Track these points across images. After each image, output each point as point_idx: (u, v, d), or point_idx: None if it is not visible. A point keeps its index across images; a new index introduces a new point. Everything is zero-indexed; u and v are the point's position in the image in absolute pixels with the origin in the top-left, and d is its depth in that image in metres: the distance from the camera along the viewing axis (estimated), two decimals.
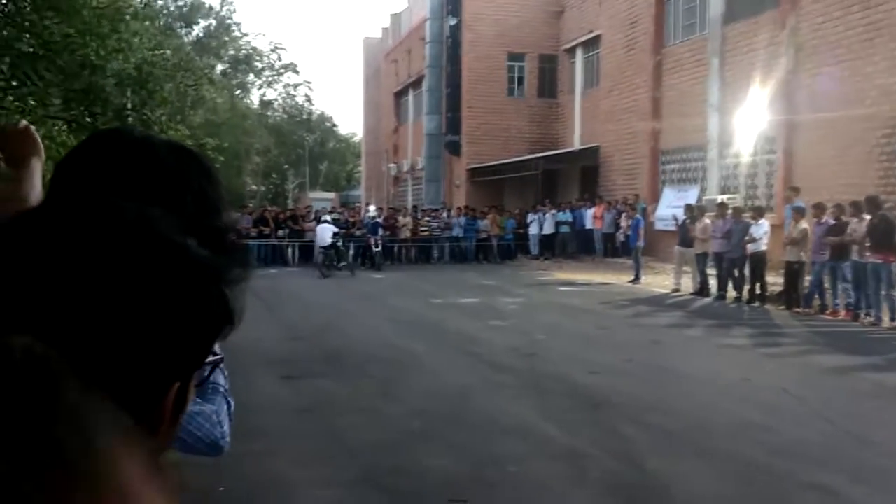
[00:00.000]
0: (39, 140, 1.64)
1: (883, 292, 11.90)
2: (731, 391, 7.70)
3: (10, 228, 0.62)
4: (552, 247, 25.81)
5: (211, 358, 0.69)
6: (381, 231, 23.90)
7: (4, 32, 8.84)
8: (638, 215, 20.29)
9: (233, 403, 1.48)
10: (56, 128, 9.18)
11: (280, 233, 24.44)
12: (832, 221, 12.96)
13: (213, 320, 0.65)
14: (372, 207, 28.25)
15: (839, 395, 7.64)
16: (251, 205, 33.03)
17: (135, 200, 1.04)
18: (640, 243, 18.96)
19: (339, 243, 21.89)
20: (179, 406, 0.66)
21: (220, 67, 43.37)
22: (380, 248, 23.26)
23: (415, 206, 30.45)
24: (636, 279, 18.48)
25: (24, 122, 1.65)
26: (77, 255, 0.58)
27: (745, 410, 6.86)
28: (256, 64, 49.47)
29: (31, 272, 0.57)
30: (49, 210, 0.63)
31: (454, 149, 32.75)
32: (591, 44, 29.01)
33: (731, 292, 15.25)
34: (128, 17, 10.00)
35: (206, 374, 1.26)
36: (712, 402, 7.24)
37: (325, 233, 21.25)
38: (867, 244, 12.04)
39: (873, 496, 4.79)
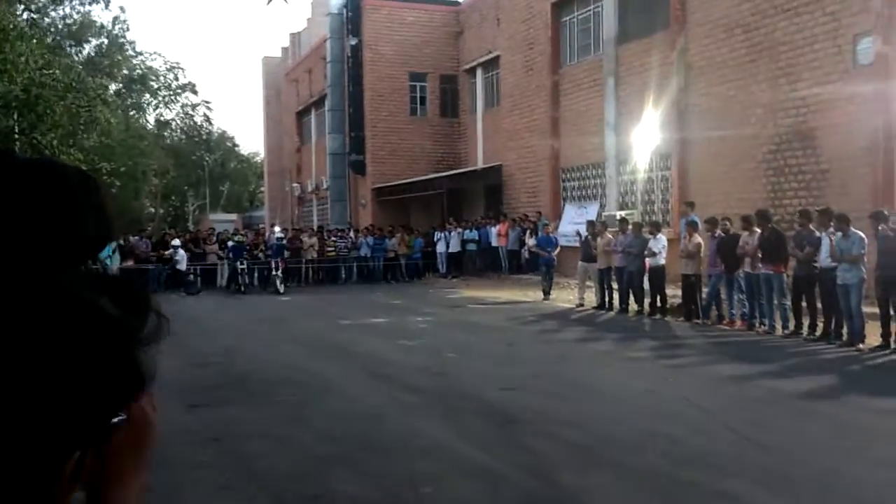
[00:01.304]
0: None
1: (775, 302, 12.45)
2: (637, 403, 7.90)
3: None
4: (460, 265, 25.99)
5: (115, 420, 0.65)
6: (286, 253, 23.67)
7: None
8: (551, 232, 20.54)
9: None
10: None
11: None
12: (723, 235, 13.49)
13: (124, 384, 0.62)
14: (277, 228, 27.85)
15: (739, 403, 7.94)
16: (149, 228, 32.04)
17: (29, 227, 0.98)
18: (554, 260, 19.16)
19: (244, 266, 22.07)
20: (77, 473, 0.62)
21: (113, 87, 41.96)
22: (281, 271, 22.76)
23: (321, 227, 30.17)
24: (548, 295, 18.61)
25: None
26: None
27: (652, 422, 7.04)
28: (152, 84, 48.12)
29: None
30: None
31: (359, 168, 32.67)
32: (491, 64, 29.50)
33: (633, 305, 15.67)
34: (13, 35, 9.59)
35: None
36: (620, 414, 7.41)
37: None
38: (759, 256, 12.57)
39: (776, 500, 4.98)
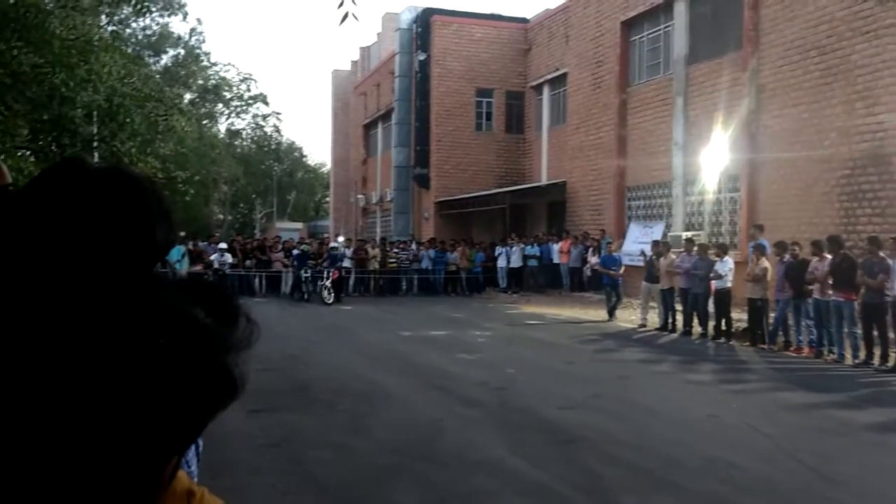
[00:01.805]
0: (6, 170, 1.59)
1: (845, 330, 12.12)
2: (699, 427, 7.78)
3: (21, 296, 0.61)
4: (520, 280, 25.93)
5: None
6: (339, 263, 23.73)
7: None
8: (615, 251, 20.09)
9: (201, 444, 1.44)
10: (23, 158, 9.08)
11: (247, 262, 24.29)
12: (792, 259, 13.20)
13: (220, 394, 0.64)
14: (341, 238, 28.21)
15: (805, 432, 7.74)
16: (218, 234, 32.79)
17: (107, 233, 1.04)
18: (620, 280, 18.69)
19: (308, 274, 22.42)
20: (173, 473, 0.66)
21: (188, 97, 43.20)
22: (330, 281, 22.58)
23: (383, 238, 30.45)
24: (613, 316, 18.27)
25: None
26: (86, 335, 0.57)
27: (713, 447, 6.92)
28: (225, 94, 49.41)
29: (45, 342, 0.56)
30: (61, 280, 0.62)
31: (423, 182, 32.92)
32: (558, 81, 29.46)
33: (697, 328, 15.42)
34: (97, 47, 9.97)
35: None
36: (681, 438, 7.30)
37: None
38: (830, 282, 12.26)
39: None
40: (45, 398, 0.53)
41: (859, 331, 11.95)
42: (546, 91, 30.57)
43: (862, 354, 11.86)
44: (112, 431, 0.54)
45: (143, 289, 0.61)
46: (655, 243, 17.88)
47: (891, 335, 11.51)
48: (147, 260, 1.10)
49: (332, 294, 21.64)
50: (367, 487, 5.67)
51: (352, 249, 25.93)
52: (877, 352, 11.70)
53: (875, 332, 11.77)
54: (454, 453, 6.64)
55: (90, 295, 0.60)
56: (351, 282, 25.52)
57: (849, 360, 12.01)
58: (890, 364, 11.37)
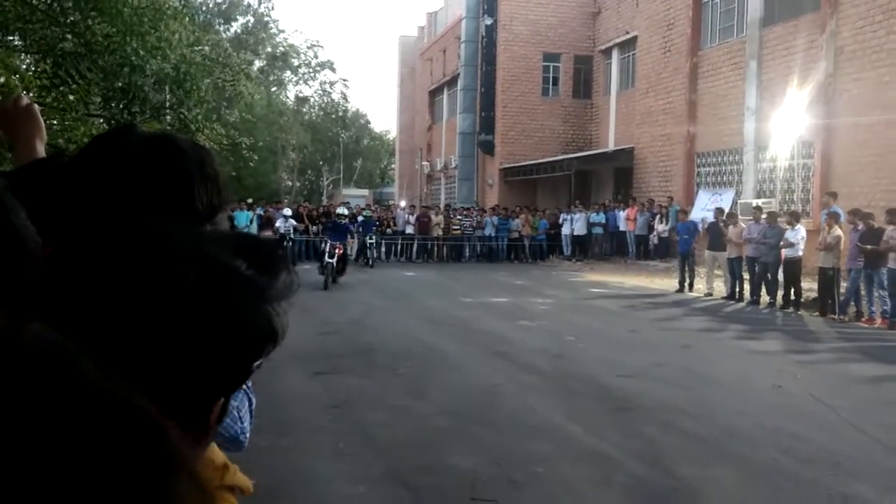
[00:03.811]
0: (41, 120, 1.61)
1: None
2: (762, 398, 7.65)
3: (65, 251, 0.65)
4: (584, 248, 25.74)
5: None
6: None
7: (48, 33, 9.03)
8: (691, 218, 19.32)
9: (255, 400, 1.47)
10: (96, 126, 9.35)
11: (313, 229, 24.64)
12: (866, 228, 12.77)
13: (259, 339, 0.67)
14: (403, 203, 28.36)
15: (872, 404, 7.54)
16: (285, 200, 33.31)
17: (154, 193, 1.08)
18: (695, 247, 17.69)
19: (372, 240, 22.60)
20: (220, 417, 0.70)
21: (257, 64, 43.70)
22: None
23: (447, 205, 30.52)
24: (687, 286, 17.36)
25: (25, 100, 1.62)
26: (132, 283, 0.61)
27: (776, 417, 6.81)
28: (293, 61, 49.81)
29: (90, 297, 0.60)
30: (103, 237, 0.66)
31: (487, 148, 32.78)
32: (627, 45, 28.87)
33: (765, 297, 15.09)
34: (167, 15, 10.15)
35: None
36: (742, 408, 7.19)
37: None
38: None
39: None
40: (98, 343, 0.56)
41: None
42: (615, 55, 29.99)
43: None
44: (160, 373, 0.58)
45: (182, 240, 0.65)
46: (719, 210, 17.49)
47: None
48: (188, 222, 1.14)
49: (332, 274, 16.76)
50: (424, 449, 5.76)
51: (415, 216, 26.09)
52: None
53: None
54: (511, 418, 6.69)
55: (129, 249, 0.63)
56: (414, 248, 25.72)
57: None
58: None
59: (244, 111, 31.67)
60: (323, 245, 17.33)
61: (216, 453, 1.21)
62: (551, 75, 32.14)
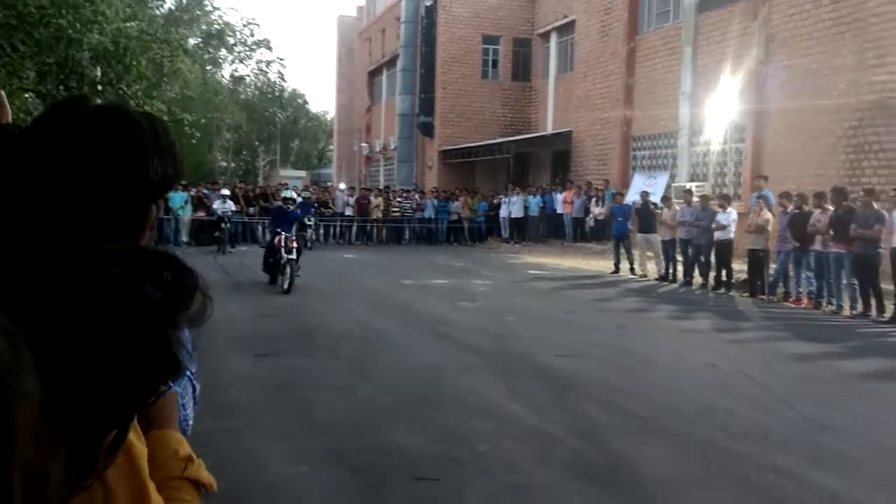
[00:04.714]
0: (7, 104, 1.58)
1: (844, 282, 12.16)
2: (696, 376, 7.87)
3: None
4: (523, 230, 25.97)
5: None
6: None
7: None
8: (626, 201, 19.62)
9: (198, 387, 1.44)
10: (30, 100, 9.06)
11: (250, 210, 24.31)
12: (795, 211, 13.17)
13: (155, 368, 0.62)
14: (342, 186, 28.17)
15: (801, 381, 7.82)
16: (221, 181, 32.75)
17: (107, 164, 1.06)
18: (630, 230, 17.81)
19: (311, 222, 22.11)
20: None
21: (192, 41, 42.68)
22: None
23: (386, 187, 30.42)
24: (622, 268, 17.64)
25: None
26: (29, 294, 0.56)
27: (710, 395, 7.01)
28: (228, 39, 48.80)
29: None
30: (6, 243, 0.60)
31: (427, 130, 32.74)
32: (566, 29, 29.08)
33: (697, 279, 15.47)
34: None
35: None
36: (677, 385, 7.39)
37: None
38: (831, 234, 12.26)
39: (830, 480, 4.95)
40: None
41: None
42: (553, 39, 30.19)
43: (860, 306, 11.92)
44: (54, 391, 0.54)
45: (87, 260, 0.60)
46: (645, 193, 17.84)
47: (891, 287, 11.51)
48: (142, 195, 1.12)
49: (289, 276, 13.12)
50: (367, 429, 5.78)
51: (354, 198, 25.95)
52: (874, 303, 11.75)
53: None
54: (453, 398, 6.74)
55: (33, 260, 0.59)
56: (353, 230, 25.58)
57: (847, 311, 12.08)
58: (887, 315, 11.43)
59: (182, 88, 30.95)
60: (274, 238, 13.68)
61: (182, 444, 1.19)
62: (491, 58, 32.21)
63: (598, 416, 6.26)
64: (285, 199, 14.79)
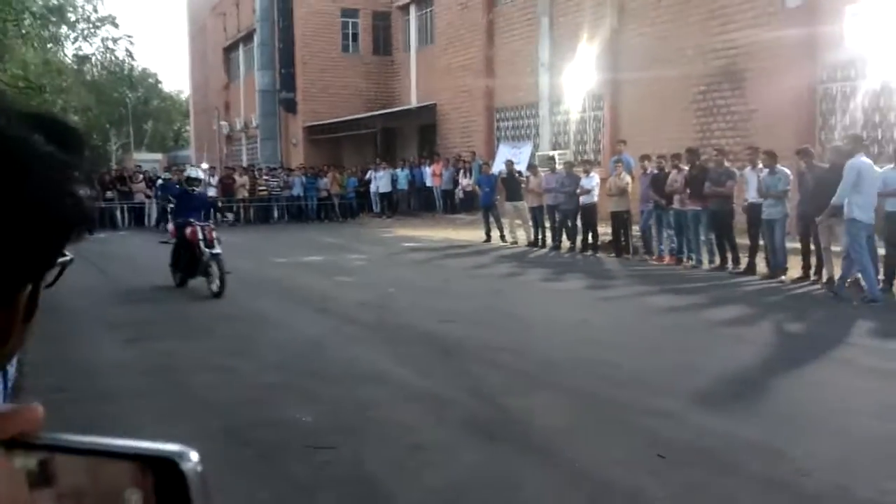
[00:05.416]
0: None
1: (702, 237, 12.86)
2: (573, 331, 8.16)
3: None
4: (393, 204, 25.98)
5: (62, 259, 0.67)
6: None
7: None
8: (493, 170, 19.83)
9: (12, 374, 1.36)
10: None
11: (108, 194, 23.17)
12: (656, 172, 13.79)
13: (66, 222, 0.62)
14: (204, 166, 27.23)
15: (670, 330, 8.26)
16: None
17: None
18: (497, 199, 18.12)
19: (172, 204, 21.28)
20: (31, 310, 0.63)
21: (28, 20, 39.94)
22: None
23: (251, 165, 29.66)
24: (490, 236, 17.97)
25: None
26: None
27: (587, 348, 7.30)
28: (70, 15, 45.97)
29: None
30: None
31: (289, 106, 32.10)
32: (425, 1, 29.10)
33: (566, 242, 15.98)
34: None
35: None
36: (556, 342, 7.64)
37: None
38: (687, 193, 12.91)
39: (706, 415, 5.26)
40: None
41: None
42: (413, 11, 30.16)
43: (717, 259, 12.65)
44: None
45: None
46: (510, 163, 18.21)
47: (745, 241, 12.25)
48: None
49: (218, 275, 10.64)
50: (256, 405, 5.66)
51: (217, 178, 25.17)
52: (730, 256, 12.50)
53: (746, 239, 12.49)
54: (340, 368, 6.71)
55: None
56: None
57: (706, 265, 12.80)
58: (742, 267, 12.18)
59: (16, 68, 28.93)
60: (185, 230, 10.93)
61: None
62: (351, 31, 31.85)
63: (485, 375, 6.39)
64: (189, 180, 12.10)
